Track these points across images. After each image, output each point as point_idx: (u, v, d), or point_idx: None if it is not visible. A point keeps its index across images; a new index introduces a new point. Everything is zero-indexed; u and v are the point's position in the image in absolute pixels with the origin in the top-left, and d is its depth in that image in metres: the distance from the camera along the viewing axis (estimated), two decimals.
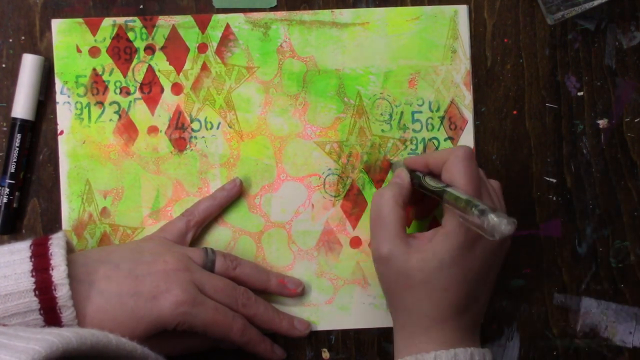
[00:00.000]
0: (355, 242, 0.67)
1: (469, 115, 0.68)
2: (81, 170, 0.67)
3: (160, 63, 0.67)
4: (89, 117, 0.67)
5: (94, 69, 0.67)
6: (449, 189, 0.57)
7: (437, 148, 0.68)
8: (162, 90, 0.67)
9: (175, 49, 0.68)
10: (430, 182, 0.59)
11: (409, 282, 0.57)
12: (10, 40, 0.67)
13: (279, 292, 0.66)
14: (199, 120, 0.67)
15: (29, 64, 0.65)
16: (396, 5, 0.68)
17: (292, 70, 0.68)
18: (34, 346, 0.45)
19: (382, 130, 0.68)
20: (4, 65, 0.67)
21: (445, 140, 0.68)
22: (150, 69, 0.67)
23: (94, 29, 0.67)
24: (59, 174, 0.66)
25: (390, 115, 0.68)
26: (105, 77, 0.67)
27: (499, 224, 0.51)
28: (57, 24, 0.67)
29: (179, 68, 0.67)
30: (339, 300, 0.67)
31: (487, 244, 0.57)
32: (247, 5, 0.68)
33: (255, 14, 0.68)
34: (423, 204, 0.66)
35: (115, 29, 0.67)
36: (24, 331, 0.48)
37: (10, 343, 0.46)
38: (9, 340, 0.47)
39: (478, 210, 0.53)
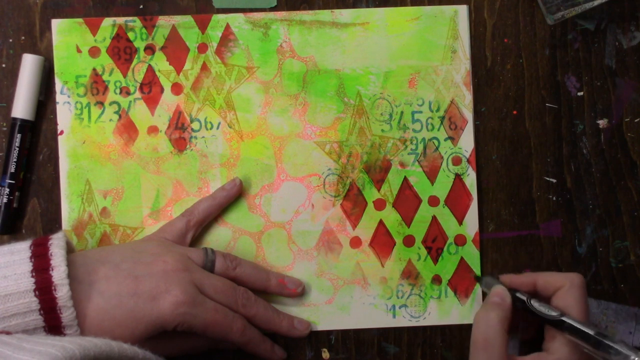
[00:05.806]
0: (355, 242, 0.67)
1: (469, 115, 0.68)
2: (81, 170, 0.67)
3: (160, 63, 0.67)
4: (89, 117, 0.67)
5: (94, 69, 0.67)
6: (567, 319, 0.57)
7: (437, 148, 0.68)
8: (162, 90, 0.67)
9: (175, 49, 0.67)
10: (541, 309, 0.59)
11: None
12: (10, 40, 0.67)
13: (279, 292, 0.66)
14: (199, 120, 0.67)
15: (29, 64, 0.65)
16: (396, 5, 0.68)
17: (292, 70, 0.68)
18: None
19: (382, 130, 0.68)
20: (4, 65, 0.67)
21: (445, 140, 0.68)
22: (150, 69, 0.67)
23: (94, 29, 0.67)
24: (59, 174, 0.66)
25: (390, 115, 0.68)
26: (105, 77, 0.67)
27: None
28: (57, 24, 0.67)
29: (179, 68, 0.67)
30: (338, 300, 0.67)
31: None
32: (247, 5, 0.68)
33: (255, 14, 0.68)
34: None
35: (115, 29, 0.67)
36: (27, 342, 0.48)
37: (14, 356, 0.46)
38: (12, 352, 0.46)
39: (614, 350, 0.53)
